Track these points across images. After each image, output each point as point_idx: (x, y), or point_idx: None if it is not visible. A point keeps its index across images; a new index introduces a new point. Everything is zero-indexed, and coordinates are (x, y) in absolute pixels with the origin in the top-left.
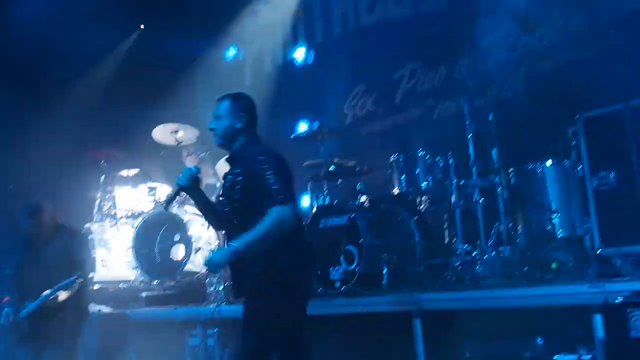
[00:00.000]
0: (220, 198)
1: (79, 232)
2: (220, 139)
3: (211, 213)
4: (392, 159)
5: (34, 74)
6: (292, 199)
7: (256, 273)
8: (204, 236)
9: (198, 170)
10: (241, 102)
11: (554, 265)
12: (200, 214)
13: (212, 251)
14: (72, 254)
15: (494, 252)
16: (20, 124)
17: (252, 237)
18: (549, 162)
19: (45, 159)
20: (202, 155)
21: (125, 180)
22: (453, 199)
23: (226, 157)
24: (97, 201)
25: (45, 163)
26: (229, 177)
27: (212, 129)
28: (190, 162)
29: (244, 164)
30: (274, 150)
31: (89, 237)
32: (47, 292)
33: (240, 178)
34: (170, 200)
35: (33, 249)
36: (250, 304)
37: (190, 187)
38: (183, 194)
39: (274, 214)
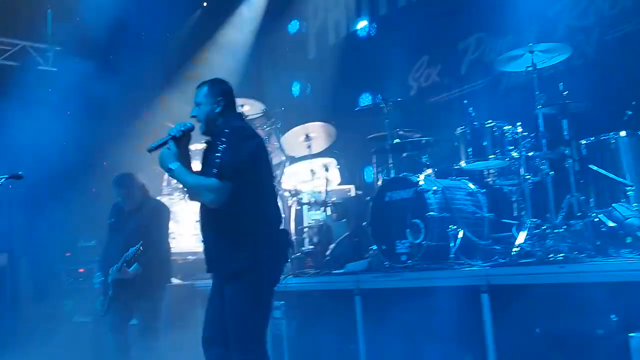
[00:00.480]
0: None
1: (160, 206)
2: (203, 125)
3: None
4: (458, 130)
5: (110, 51)
6: (229, 175)
7: (230, 255)
8: None
9: (191, 127)
10: (218, 87)
11: (628, 240)
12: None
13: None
14: (149, 226)
15: (565, 226)
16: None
17: (185, 179)
18: (622, 133)
19: (121, 134)
20: (268, 128)
21: (194, 154)
22: (522, 171)
23: (291, 131)
24: (166, 175)
25: (122, 138)
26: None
27: (193, 116)
28: None
29: (214, 138)
30: (248, 130)
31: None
32: (116, 265)
33: (205, 149)
34: (156, 145)
35: (120, 218)
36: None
37: (180, 139)
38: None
39: (209, 181)
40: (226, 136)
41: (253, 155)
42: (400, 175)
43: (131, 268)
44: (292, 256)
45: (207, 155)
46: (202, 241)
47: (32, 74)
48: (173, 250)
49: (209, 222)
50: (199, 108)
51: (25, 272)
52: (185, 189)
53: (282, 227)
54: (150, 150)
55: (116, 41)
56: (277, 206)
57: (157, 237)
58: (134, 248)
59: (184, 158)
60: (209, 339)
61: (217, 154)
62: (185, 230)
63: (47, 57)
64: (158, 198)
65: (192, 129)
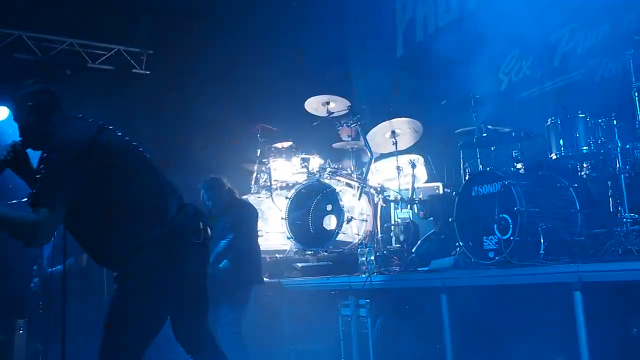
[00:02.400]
0: None
1: (247, 206)
2: (27, 144)
3: None
4: (549, 121)
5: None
6: (46, 202)
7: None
8: (355, 206)
9: (19, 143)
10: (23, 93)
11: None
12: (350, 184)
13: None
14: (237, 226)
15: None
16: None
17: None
18: None
19: (212, 134)
20: (354, 125)
21: (280, 153)
22: (618, 163)
23: (377, 127)
24: (254, 173)
25: (211, 138)
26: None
27: (17, 140)
28: (343, 133)
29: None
30: (74, 135)
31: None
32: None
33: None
34: None
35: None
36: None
37: (12, 161)
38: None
39: (30, 217)
40: (46, 160)
41: (90, 161)
42: (487, 168)
43: (221, 264)
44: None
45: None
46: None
47: (127, 77)
48: (262, 248)
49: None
50: (18, 126)
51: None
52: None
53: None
54: None
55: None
56: (158, 191)
57: (246, 235)
58: (225, 241)
59: (29, 176)
60: None
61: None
62: (272, 228)
63: (140, 60)
64: (245, 197)
65: (21, 144)
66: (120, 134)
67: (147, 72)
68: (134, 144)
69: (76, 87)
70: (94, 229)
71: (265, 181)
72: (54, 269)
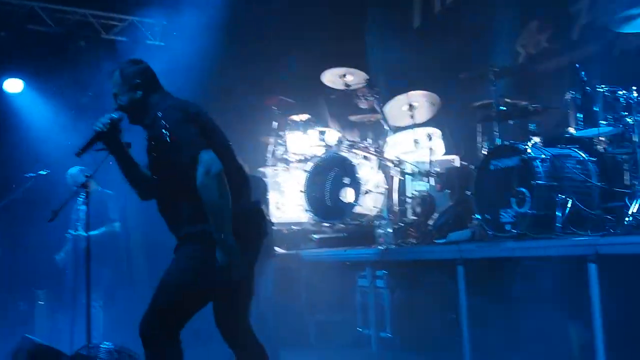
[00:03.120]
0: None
1: (253, 180)
2: (129, 116)
3: (135, 178)
4: (568, 96)
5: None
6: (199, 142)
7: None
8: (372, 179)
9: (119, 117)
10: (130, 70)
11: None
12: (367, 156)
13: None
14: None
15: None
16: (200, 76)
17: (217, 212)
18: None
19: (227, 106)
20: (371, 98)
21: (297, 125)
22: (635, 138)
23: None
24: (271, 146)
25: (227, 109)
26: (147, 146)
27: (118, 109)
28: (359, 105)
29: (152, 129)
30: (180, 103)
31: (264, 181)
32: None
33: (153, 143)
34: (85, 146)
35: None
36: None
37: (108, 135)
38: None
39: (199, 177)
40: (163, 118)
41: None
42: (506, 142)
43: None
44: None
45: (156, 152)
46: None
47: (141, 49)
48: (279, 220)
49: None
50: (118, 99)
51: (138, 244)
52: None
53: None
54: (78, 155)
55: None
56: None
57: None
58: None
59: (122, 155)
60: None
61: (167, 139)
62: (289, 200)
63: (155, 31)
64: (262, 169)
65: (119, 119)
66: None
67: (162, 44)
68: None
69: (90, 59)
70: (181, 195)
71: (282, 154)
72: (92, 232)
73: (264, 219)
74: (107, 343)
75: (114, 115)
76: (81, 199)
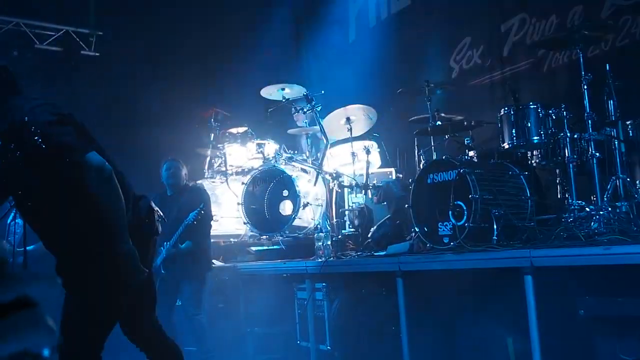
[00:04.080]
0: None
1: (202, 190)
2: None
3: None
4: (501, 112)
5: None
6: (87, 146)
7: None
8: (311, 191)
9: None
10: None
11: None
12: (306, 169)
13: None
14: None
15: (610, 208)
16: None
17: (115, 217)
18: None
19: (164, 118)
20: (309, 111)
21: (235, 138)
22: (567, 153)
23: (332, 114)
24: (208, 158)
25: (164, 122)
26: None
27: None
28: (297, 119)
29: (15, 137)
30: (45, 103)
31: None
32: (170, 241)
33: (18, 154)
34: None
35: (164, 202)
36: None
37: None
38: None
39: (93, 170)
40: (33, 123)
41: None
42: (443, 157)
43: (183, 245)
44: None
45: (26, 164)
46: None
47: (75, 59)
48: (216, 232)
49: None
50: None
51: None
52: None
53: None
54: None
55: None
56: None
57: (207, 223)
58: (195, 212)
59: None
60: None
61: (42, 145)
62: (226, 213)
63: (89, 42)
64: (199, 182)
65: None
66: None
67: (97, 54)
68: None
69: (23, 69)
70: (72, 211)
71: (219, 166)
72: (30, 247)
73: (154, 218)
74: None
75: None
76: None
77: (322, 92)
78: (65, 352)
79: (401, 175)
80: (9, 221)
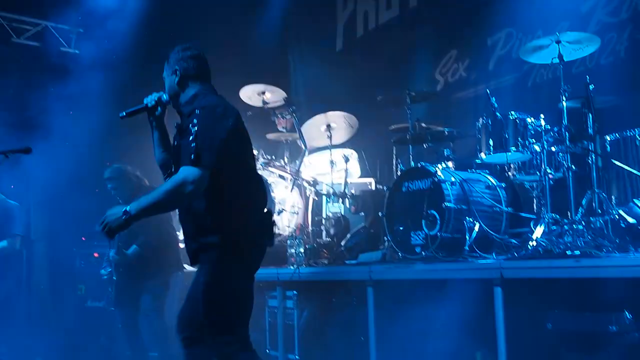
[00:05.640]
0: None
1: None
2: (170, 100)
3: (163, 151)
4: (480, 121)
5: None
6: (208, 160)
7: (208, 243)
8: (287, 198)
9: (167, 100)
10: (174, 56)
11: None
12: (283, 175)
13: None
14: None
15: (584, 223)
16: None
17: (147, 203)
18: None
19: (143, 120)
20: (289, 116)
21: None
22: (543, 166)
23: (312, 119)
24: None
25: (142, 124)
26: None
27: (164, 94)
28: (278, 124)
29: (184, 119)
30: (222, 104)
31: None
32: (113, 249)
33: (176, 133)
34: (130, 112)
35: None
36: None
37: (153, 109)
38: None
39: (179, 175)
40: (197, 117)
41: (230, 134)
42: (419, 165)
43: (129, 250)
44: (273, 240)
45: (179, 140)
46: (184, 233)
47: (54, 56)
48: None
49: (188, 213)
50: (164, 81)
51: (40, 255)
52: (158, 208)
53: (265, 209)
54: (122, 117)
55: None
56: (259, 187)
57: (155, 221)
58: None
59: (160, 130)
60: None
61: (190, 137)
62: None
63: (69, 38)
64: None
65: (167, 102)
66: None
67: (77, 51)
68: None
69: None
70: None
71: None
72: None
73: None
74: None
75: (163, 95)
76: None
77: (301, 98)
78: None
79: (381, 187)
80: None
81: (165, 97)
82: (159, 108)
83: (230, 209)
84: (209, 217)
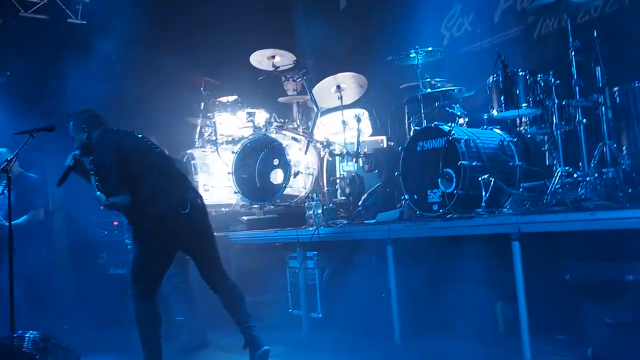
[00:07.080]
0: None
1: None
2: (81, 152)
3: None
4: (490, 79)
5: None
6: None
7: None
8: (302, 160)
9: (78, 154)
10: (78, 119)
11: None
12: (297, 138)
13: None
14: None
15: (596, 174)
16: (125, 56)
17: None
18: None
19: (154, 87)
20: (299, 79)
21: (225, 107)
22: (554, 119)
23: (322, 82)
24: (198, 127)
25: (153, 90)
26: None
27: (76, 152)
28: (287, 87)
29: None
30: (105, 140)
31: (192, 163)
32: None
33: (93, 167)
34: (62, 179)
35: None
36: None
37: (75, 165)
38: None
39: (118, 201)
40: (95, 155)
41: (117, 158)
42: (432, 124)
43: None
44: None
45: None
46: None
47: (62, 27)
48: (207, 202)
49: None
50: (74, 140)
51: (58, 226)
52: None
53: (165, 199)
54: (59, 184)
55: None
56: (165, 182)
57: None
58: None
59: (84, 174)
60: None
61: (102, 173)
62: (218, 182)
63: (76, 10)
64: (190, 151)
65: (79, 155)
66: (140, 136)
67: (84, 22)
68: (149, 143)
69: (7, 37)
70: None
71: (210, 135)
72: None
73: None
74: (33, 332)
75: (75, 152)
76: (1, 185)
77: (310, 60)
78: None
79: (392, 143)
80: None
81: (77, 152)
82: (77, 163)
83: (141, 207)
84: (132, 214)
